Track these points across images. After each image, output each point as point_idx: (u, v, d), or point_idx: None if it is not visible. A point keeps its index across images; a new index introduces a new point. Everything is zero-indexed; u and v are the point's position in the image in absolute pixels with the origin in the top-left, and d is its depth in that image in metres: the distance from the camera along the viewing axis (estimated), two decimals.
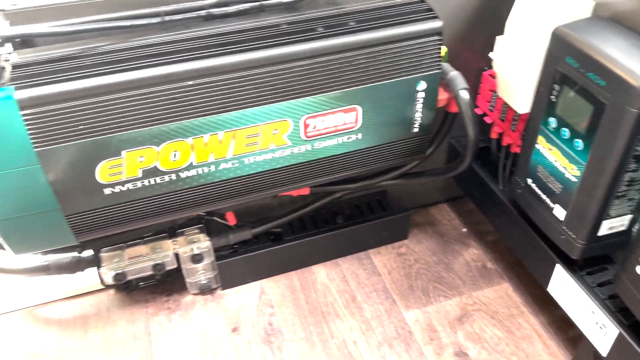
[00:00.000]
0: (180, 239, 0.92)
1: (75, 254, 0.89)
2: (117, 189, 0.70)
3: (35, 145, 0.63)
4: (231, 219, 0.93)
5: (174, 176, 0.72)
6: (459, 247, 1.06)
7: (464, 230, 1.10)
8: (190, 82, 0.66)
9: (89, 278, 0.95)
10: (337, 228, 1.01)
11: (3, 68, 0.64)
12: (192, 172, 0.73)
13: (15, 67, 0.63)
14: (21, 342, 0.90)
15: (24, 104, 0.61)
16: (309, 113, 0.73)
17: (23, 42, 0.66)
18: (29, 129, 0.62)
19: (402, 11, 0.75)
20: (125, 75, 0.64)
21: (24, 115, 0.61)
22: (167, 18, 0.69)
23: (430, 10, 0.75)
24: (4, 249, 0.74)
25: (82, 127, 0.64)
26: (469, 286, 0.98)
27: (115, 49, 0.67)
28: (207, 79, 0.66)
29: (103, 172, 0.68)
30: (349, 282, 0.99)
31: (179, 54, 0.66)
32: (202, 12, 0.70)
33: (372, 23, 0.72)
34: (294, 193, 0.88)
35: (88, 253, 0.90)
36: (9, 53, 0.65)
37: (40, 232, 0.71)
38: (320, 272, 1.01)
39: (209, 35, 0.69)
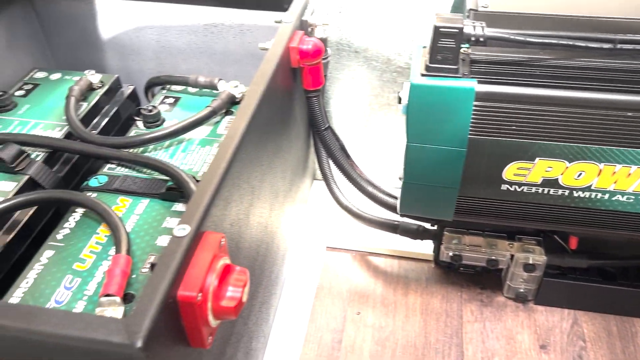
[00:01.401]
0: (516, 244, 0.96)
1: (423, 225, 1.00)
2: (513, 187, 0.76)
3: (471, 132, 0.72)
4: (573, 244, 0.93)
5: (567, 192, 0.76)
6: None
7: None
8: (630, 114, 0.67)
9: (414, 244, 1.06)
10: None
11: (463, 60, 0.73)
12: (585, 194, 0.75)
13: (473, 62, 0.73)
14: (349, 278, 1.05)
15: (479, 97, 0.70)
16: None
17: (484, 41, 0.75)
18: (473, 118, 0.71)
19: None
20: (568, 92, 0.68)
21: (475, 106, 0.70)
22: (619, 46, 0.71)
23: None
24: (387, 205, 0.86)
25: (513, 128, 0.71)
26: None
27: (561, 65, 0.71)
28: None
29: (510, 170, 0.75)
30: None
31: (626, 84, 0.68)
32: None
33: None
34: None
35: (431, 227, 1.00)
36: (467, 47, 0.75)
37: (429, 202, 0.82)
38: None
39: None
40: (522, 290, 0.99)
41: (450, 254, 0.96)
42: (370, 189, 0.99)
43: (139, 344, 0.43)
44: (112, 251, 0.66)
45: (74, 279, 0.63)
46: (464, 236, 0.97)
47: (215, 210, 0.57)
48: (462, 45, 0.74)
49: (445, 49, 0.69)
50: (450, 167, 0.76)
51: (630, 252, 0.94)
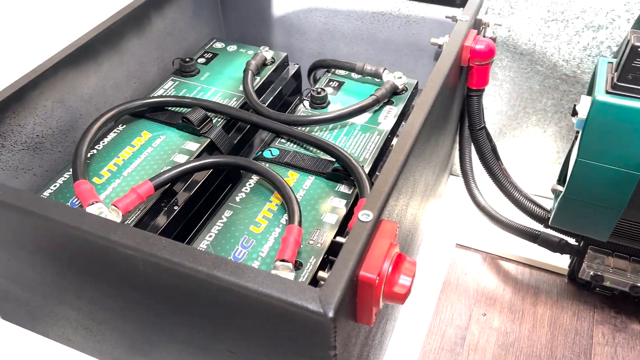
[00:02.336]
0: None
1: (566, 239, 0.98)
2: None
3: None
4: None
5: None
6: None
7: None
8: None
9: (549, 256, 1.04)
10: None
11: None
12: None
13: None
14: (476, 279, 1.06)
15: None
16: None
17: None
18: None
19: None
20: None
21: None
22: None
23: None
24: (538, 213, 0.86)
25: None
26: None
27: None
28: None
29: None
30: None
31: None
32: None
33: None
34: None
35: (574, 242, 0.98)
36: None
37: (587, 220, 0.81)
38: None
39: None
40: None
41: (592, 273, 0.94)
42: (517, 195, 0.98)
43: (331, 313, 0.48)
44: (283, 219, 0.73)
45: (249, 240, 0.71)
46: (608, 257, 0.95)
47: (391, 200, 0.61)
48: None
49: (638, 69, 0.67)
50: (619, 189, 0.74)
51: None
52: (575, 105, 0.75)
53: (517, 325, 0.98)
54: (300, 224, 0.70)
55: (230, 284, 0.51)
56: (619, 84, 0.69)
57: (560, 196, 0.81)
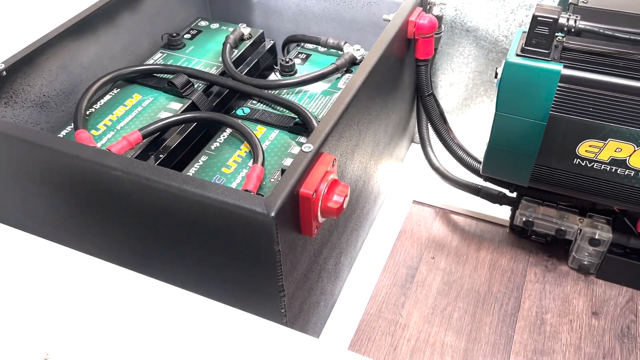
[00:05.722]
0: (586, 219, 1.06)
1: (504, 191, 1.13)
2: (584, 163, 0.88)
3: (553, 109, 0.84)
4: (639, 226, 1.02)
5: (632, 173, 0.86)
6: None
7: None
8: None
9: (493, 209, 1.19)
10: None
11: (557, 47, 0.85)
12: None
13: (565, 49, 0.84)
14: (429, 229, 1.21)
15: (564, 79, 0.82)
16: None
17: (577, 32, 0.86)
18: (556, 97, 0.83)
19: None
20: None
21: (559, 87, 0.82)
22: None
23: None
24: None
25: (590, 110, 0.82)
26: None
27: None
28: None
29: (583, 147, 0.86)
30: None
31: None
32: None
33: None
34: None
35: (511, 195, 1.12)
36: (563, 37, 0.86)
37: (509, 166, 0.95)
38: None
39: None
40: (585, 262, 1.10)
41: (524, 219, 1.09)
42: (460, 152, 1.13)
43: (273, 213, 0.63)
44: (250, 163, 0.88)
45: (221, 178, 0.85)
46: (539, 206, 1.09)
47: (332, 139, 0.76)
48: (559, 34, 0.86)
49: (539, 35, 0.81)
50: (531, 137, 0.88)
51: None
52: (497, 69, 0.90)
53: (461, 266, 1.13)
54: (263, 164, 0.85)
55: (196, 195, 0.66)
56: (526, 47, 0.83)
57: (486, 147, 0.95)
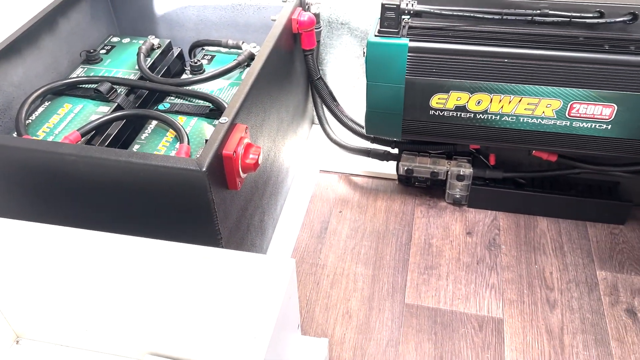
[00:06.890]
0: (453, 162, 1.35)
1: (388, 149, 1.39)
2: (437, 112, 1.15)
3: (407, 74, 1.10)
4: (491, 160, 1.31)
5: (472, 115, 1.14)
6: None
7: None
8: (506, 61, 1.05)
9: (384, 167, 1.45)
10: (568, 195, 1.31)
11: (404, 27, 1.11)
12: (484, 116, 1.13)
13: (410, 27, 1.11)
14: (335, 191, 1.45)
15: (411, 50, 1.08)
16: (577, 100, 1.06)
17: (415, 13, 1.13)
18: (407, 64, 1.09)
19: None
20: (472, 47, 1.06)
21: (409, 56, 1.08)
22: (504, 17, 1.08)
23: None
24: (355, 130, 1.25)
25: (433, 70, 1.09)
26: None
27: (467, 29, 1.09)
28: (519, 61, 1.05)
29: (434, 100, 1.13)
30: (562, 236, 1.30)
31: (503, 41, 1.06)
32: (528, 18, 1.08)
33: None
34: (544, 156, 1.22)
35: (394, 152, 1.39)
36: (409, 18, 1.13)
37: (385, 125, 1.20)
38: (542, 222, 1.34)
39: (530, 33, 1.07)
40: (457, 196, 1.38)
41: (405, 168, 1.35)
42: (350, 123, 1.37)
43: (204, 168, 0.83)
44: (177, 145, 1.06)
45: None
46: (416, 157, 1.36)
47: (242, 113, 0.97)
48: (405, 17, 1.13)
49: (388, 19, 1.07)
50: (395, 98, 1.14)
51: (534, 167, 1.32)
52: (363, 49, 1.15)
53: (363, 214, 1.37)
54: (188, 143, 1.04)
55: (141, 165, 0.85)
56: (381, 29, 1.09)
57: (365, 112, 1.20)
